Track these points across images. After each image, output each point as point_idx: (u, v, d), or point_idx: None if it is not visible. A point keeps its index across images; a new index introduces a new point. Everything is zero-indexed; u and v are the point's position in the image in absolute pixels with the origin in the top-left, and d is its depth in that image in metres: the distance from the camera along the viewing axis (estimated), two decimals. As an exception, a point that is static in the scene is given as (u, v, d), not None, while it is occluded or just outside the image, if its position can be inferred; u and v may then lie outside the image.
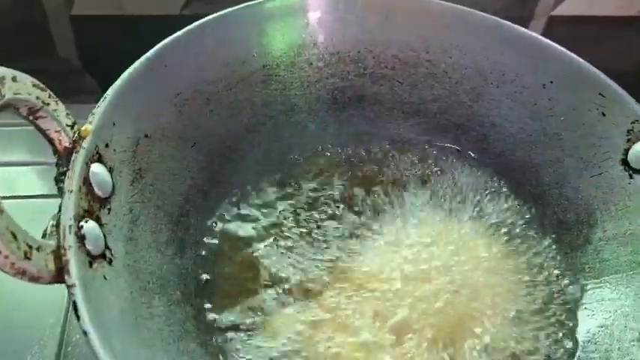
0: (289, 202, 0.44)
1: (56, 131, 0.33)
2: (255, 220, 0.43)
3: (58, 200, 0.31)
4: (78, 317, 0.28)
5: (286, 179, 0.45)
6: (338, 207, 0.44)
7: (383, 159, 0.47)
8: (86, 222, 0.31)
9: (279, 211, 0.43)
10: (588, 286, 0.41)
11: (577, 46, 0.44)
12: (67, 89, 0.41)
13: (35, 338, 0.40)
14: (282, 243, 0.42)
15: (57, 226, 0.30)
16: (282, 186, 0.45)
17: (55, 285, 0.29)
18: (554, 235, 0.44)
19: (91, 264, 0.30)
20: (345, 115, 0.48)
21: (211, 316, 0.38)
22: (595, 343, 0.38)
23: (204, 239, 0.41)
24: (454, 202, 0.45)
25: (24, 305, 0.42)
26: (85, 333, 0.28)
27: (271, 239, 0.42)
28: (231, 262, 0.41)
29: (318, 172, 0.46)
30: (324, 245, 0.42)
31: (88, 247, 0.31)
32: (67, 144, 0.33)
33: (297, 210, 0.44)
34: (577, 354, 0.39)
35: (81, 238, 0.30)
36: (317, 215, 0.43)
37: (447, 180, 0.47)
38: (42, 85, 0.32)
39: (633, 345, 0.36)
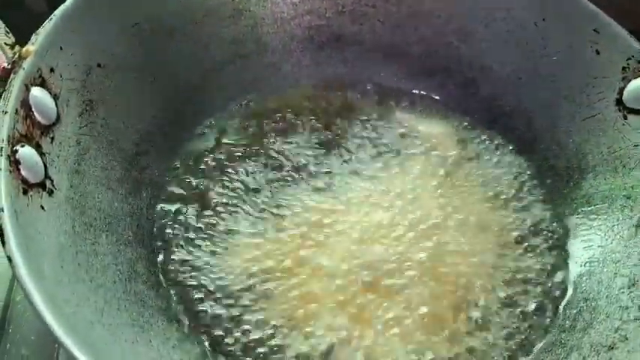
0: (255, 148, 0.41)
1: (-8, 50, 0.31)
2: (218, 161, 0.40)
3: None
4: (3, 243, 0.26)
5: (256, 122, 0.42)
6: (308, 149, 0.41)
7: (361, 103, 0.44)
8: (22, 146, 0.29)
9: (247, 156, 0.40)
10: (578, 233, 0.39)
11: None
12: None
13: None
14: (249, 185, 0.39)
15: (-12, 149, 0.28)
16: (250, 128, 0.42)
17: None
18: (544, 182, 0.41)
19: (25, 191, 0.29)
20: (322, 56, 0.45)
21: (165, 258, 0.35)
22: (582, 292, 0.36)
23: (163, 180, 0.38)
24: (439, 148, 0.42)
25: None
26: (9, 259, 0.26)
27: (235, 183, 0.39)
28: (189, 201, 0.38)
29: (289, 115, 0.43)
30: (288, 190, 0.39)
31: (24, 173, 0.29)
32: (5, 64, 0.31)
33: (269, 154, 0.41)
34: (563, 302, 0.36)
35: (15, 163, 0.28)
36: (285, 159, 0.41)
37: (432, 127, 0.44)
38: (-26, -2, 0.30)
39: (622, 292, 0.33)
